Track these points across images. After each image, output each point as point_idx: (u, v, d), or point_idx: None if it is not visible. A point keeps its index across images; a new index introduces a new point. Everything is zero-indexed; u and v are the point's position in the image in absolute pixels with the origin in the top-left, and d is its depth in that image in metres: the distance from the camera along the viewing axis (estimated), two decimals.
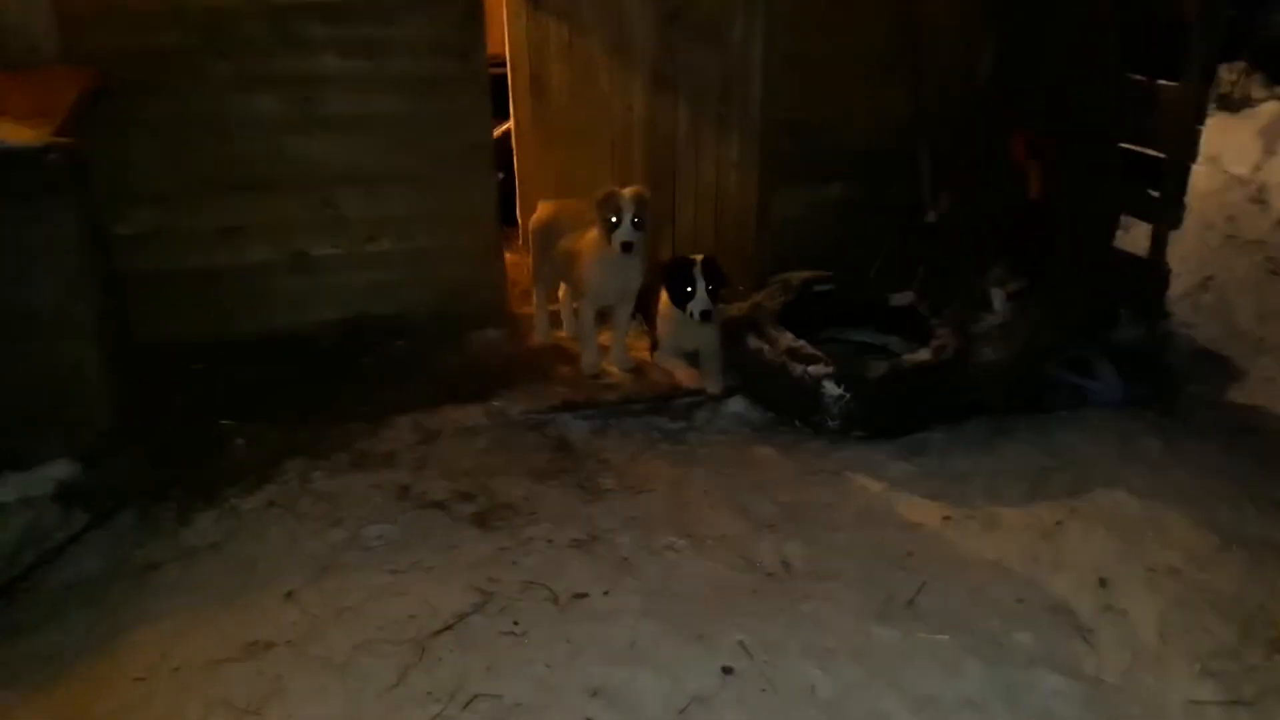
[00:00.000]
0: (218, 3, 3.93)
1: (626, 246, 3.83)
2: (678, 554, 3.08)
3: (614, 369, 4.28)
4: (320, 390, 4.01)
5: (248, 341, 4.30)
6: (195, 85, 4.01)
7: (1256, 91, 8.37)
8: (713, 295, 3.94)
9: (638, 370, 4.29)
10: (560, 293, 4.58)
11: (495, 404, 3.91)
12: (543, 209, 4.48)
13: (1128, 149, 4.58)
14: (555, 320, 4.61)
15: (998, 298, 4.48)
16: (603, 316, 4.36)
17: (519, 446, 3.66)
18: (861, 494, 3.43)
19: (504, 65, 5.31)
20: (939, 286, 4.51)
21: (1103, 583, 2.97)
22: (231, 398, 3.91)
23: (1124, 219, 4.94)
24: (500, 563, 2.99)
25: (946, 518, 3.28)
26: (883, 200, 4.85)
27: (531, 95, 4.99)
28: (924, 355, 3.79)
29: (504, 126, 5.46)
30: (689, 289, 3.94)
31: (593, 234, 4.01)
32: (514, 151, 5.15)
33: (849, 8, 4.59)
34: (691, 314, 3.95)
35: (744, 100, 4.80)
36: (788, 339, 3.85)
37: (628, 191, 3.87)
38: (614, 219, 3.82)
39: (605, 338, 4.37)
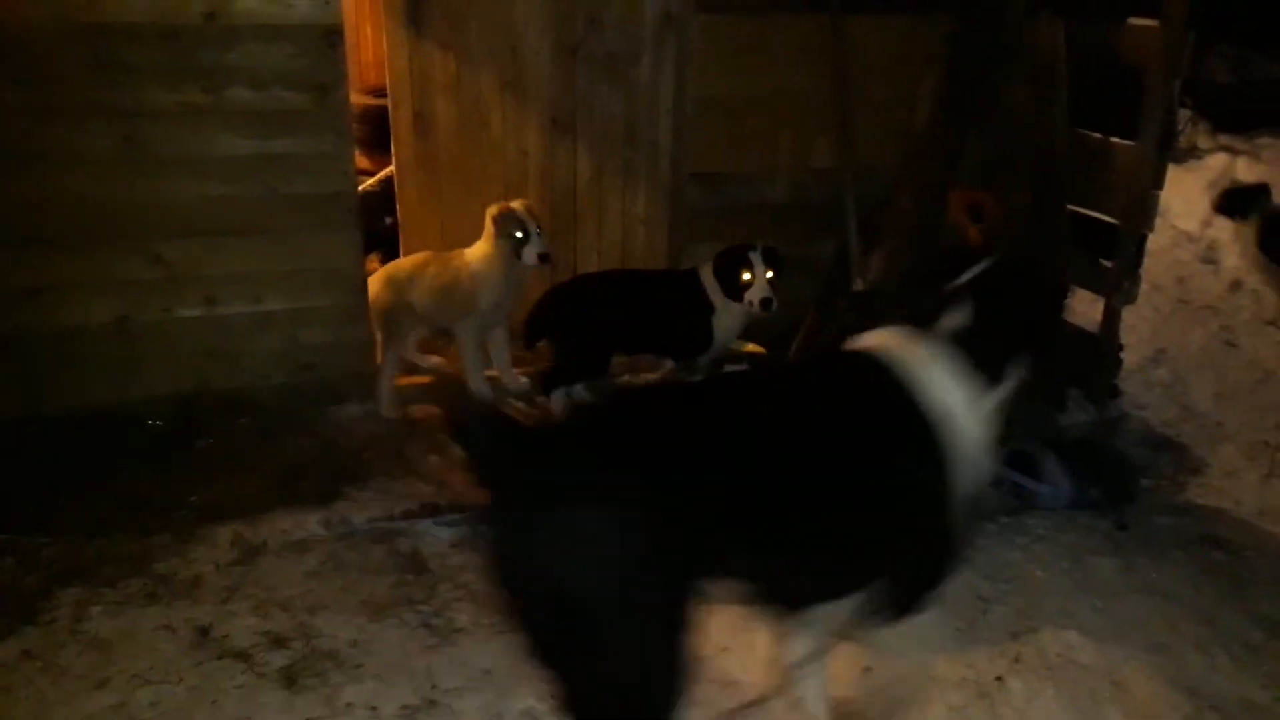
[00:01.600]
0: (13, 19, 3.27)
1: (544, 257, 3.83)
2: None
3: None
4: (131, 487, 3.35)
5: (58, 421, 3.62)
6: None
7: (1203, 141, 8.05)
8: (772, 284, 3.80)
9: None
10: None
11: (338, 506, 3.28)
12: (375, 280, 4.01)
13: (1076, 212, 4.12)
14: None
15: None
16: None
17: (358, 567, 3.03)
18: (766, 632, 2.85)
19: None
20: None
21: None
22: (15, 498, 3.23)
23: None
24: None
25: (867, 668, 2.72)
26: (806, 261, 4.33)
27: (415, 134, 4.39)
28: None
29: (390, 169, 4.85)
30: (747, 275, 3.78)
31: (481, 249, 3.88)
32: (396, 196, 4.55)
33: (769, 47, 4.09)
34: (750, 304, 3.80)
35: (652, 147, 4.30)
36: None
37: (520, 205, 3.85)
38: (520, 234, 3.78)
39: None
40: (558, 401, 3.89)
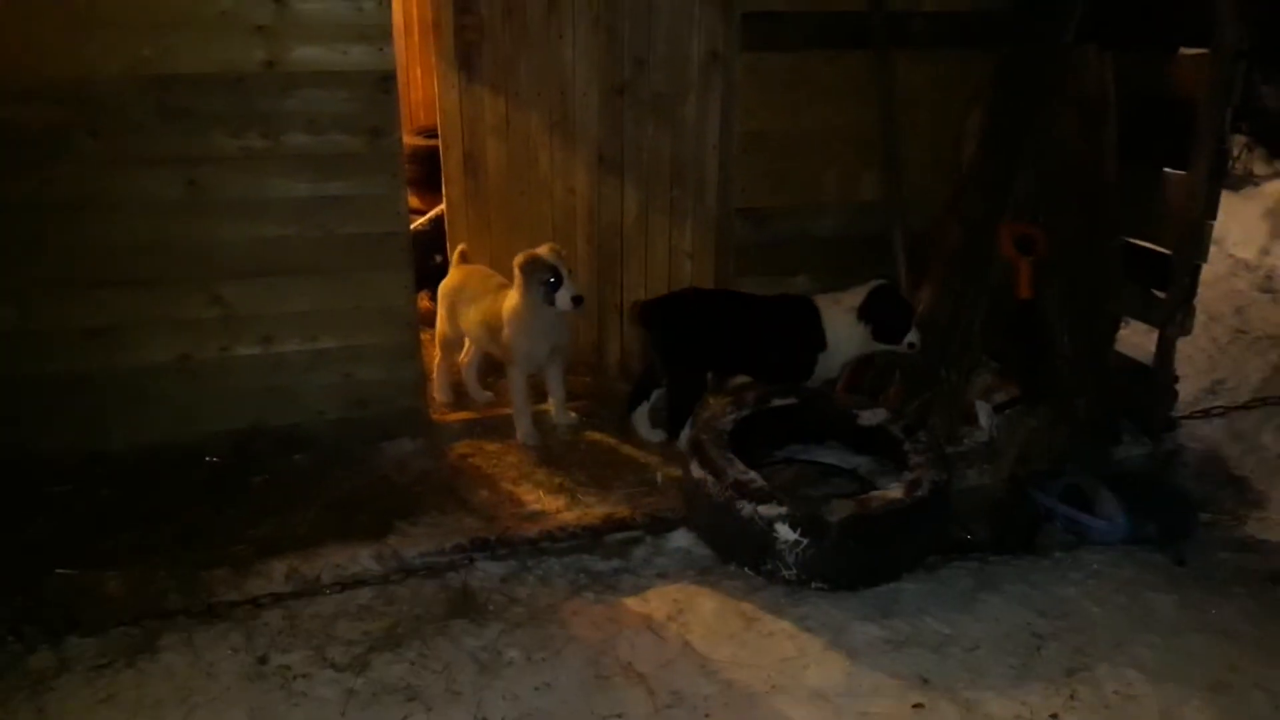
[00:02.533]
0: (88, 73, 3.41)
1: (578, 300, 3.77)
2: None
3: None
4: (191, 522, 3.43)
5: (122, 457, 3.73)
6: (59, 166, 3.47)
7: (1259, 168, 7.93)
8: None
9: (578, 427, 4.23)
10: (463, 356, 4.43)
11: (391, 541, 3.33)
12: (453, 274, 4.29)
13: (1129, 243, 4.08)
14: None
15: (984, 411, 3.95)
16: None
17: (410, 601, 3.07)
18: (818, 669, 2.83)
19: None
20: (916, 397, 3.97)
21: None
22: (82, 533, 3.33)
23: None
24: None
25: (918, 705, 2.69)
26: None
27: (465, 174, 4.49)
28: (895, 492, 3.22)
29: (441, 207, 4.96)
30: (906, 320, 3.88)
31: (511, 299, 3.90)
32: (446, 234, 4.65)
33: (814, 83, 4.13)
34: (912, 345, 3.88)
35: (698, 183, 4.34)
36: (736, 469, 3.28)
37: (546, 250, 3.82)
38: (552, 279, 3.75)
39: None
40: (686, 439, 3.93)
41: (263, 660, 2.78)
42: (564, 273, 3.75)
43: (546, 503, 3.66)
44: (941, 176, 4.26)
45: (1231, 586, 3.25)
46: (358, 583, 3.13)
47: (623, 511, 3.60)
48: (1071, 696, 2.72)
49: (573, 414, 4.23)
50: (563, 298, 3.75)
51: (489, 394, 4.41)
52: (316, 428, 3.95)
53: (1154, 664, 2.83)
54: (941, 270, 4.14)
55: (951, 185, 4.24)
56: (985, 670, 2.83)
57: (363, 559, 3.23)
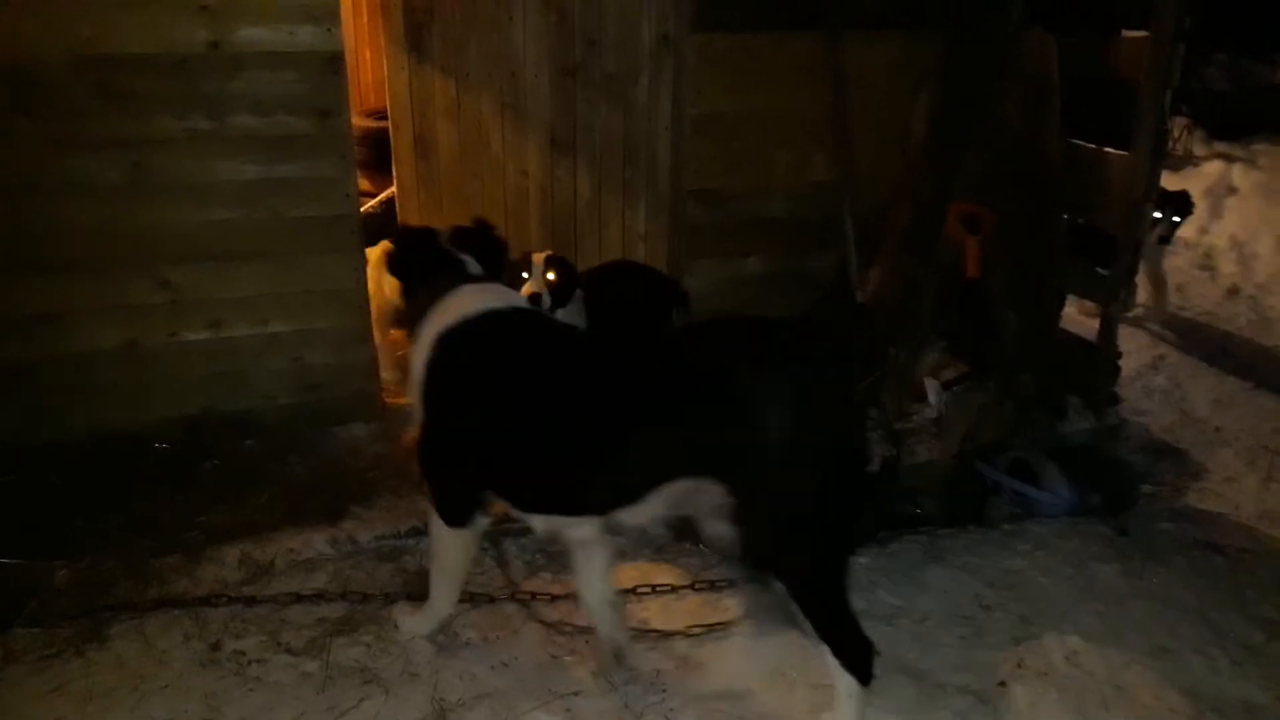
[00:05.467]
0: (24, 52, 3.33)
1: None
2: None
3: None
4: (141, 510, 3.38)
5: (70, 445, 3.66)
6: None
7: (1199, 149, 8.12)
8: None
9: None
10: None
11: (345, 525, 3.31)
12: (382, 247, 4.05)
13: (1074, 221, 4.16)
14: None
15: (932, 388, 4.00)
16: None
17: (366, 584, 3.07)
18: (769, 644, 2.87)
19: None
20: (866, 375, 4.02)
21: None
22: (32, 521, 3.27)
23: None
24: None
25: None
26: (805, 275, 4.39)
27: (416, 156, 4.46)
28: None
29: (392, 190, 4.91)
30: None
31: None
32: (397, 217, 4.61)
33: (767, 65, 4.14)
34: None
35: (651, 165, 4.35)
36: None
37: None
38: None
39: None
40: None
41: (216, 647, 2.77)
42: None
43: None
44: (891, 157, 4.30)
45: (1172, 555, 3.34)
46: (312, 567, 3.11)
47: None
48: (1019, 664, 2.79)
49: None
50: None
51: None
52: (267, 413, 3.92)
53: (1098, 631, 2.92)
54: (892, 250, 4.19)
55: (901, 166, 4.28)
56: (935, 640, 2.89)
57: (317, 543, 3.22)
